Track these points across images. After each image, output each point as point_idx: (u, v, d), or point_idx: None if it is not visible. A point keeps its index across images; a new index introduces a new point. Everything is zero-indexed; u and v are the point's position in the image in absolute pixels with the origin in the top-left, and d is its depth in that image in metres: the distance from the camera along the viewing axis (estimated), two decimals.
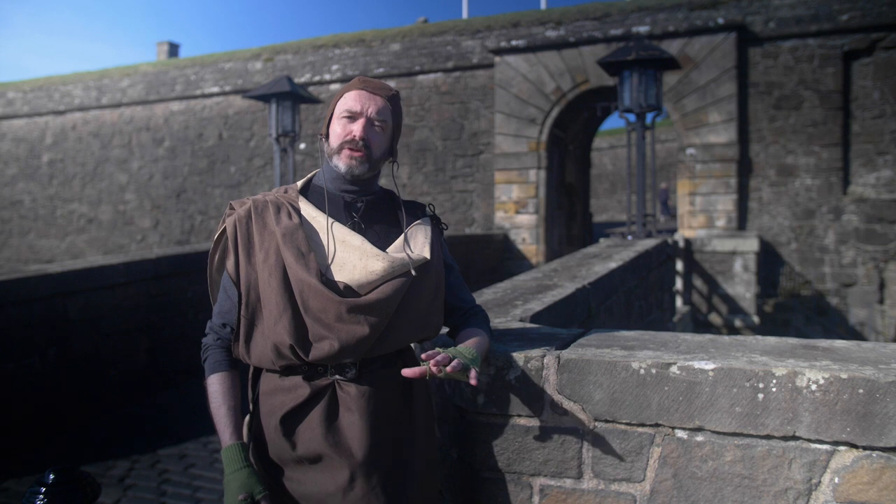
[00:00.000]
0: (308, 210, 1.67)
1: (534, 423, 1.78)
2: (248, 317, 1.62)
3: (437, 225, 1.78)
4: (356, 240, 1.62)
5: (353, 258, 1.61)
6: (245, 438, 1.69)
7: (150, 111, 16.49)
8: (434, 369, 1.48)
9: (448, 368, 1.47)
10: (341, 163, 1.64)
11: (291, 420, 1.58)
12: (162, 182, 16.24)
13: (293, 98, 10.04)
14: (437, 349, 1.52)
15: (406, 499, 1.61)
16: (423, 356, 1.50)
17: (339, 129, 1.64)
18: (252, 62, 15.49)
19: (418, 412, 1.69)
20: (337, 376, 1.60)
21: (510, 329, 2.18)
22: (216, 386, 1.62)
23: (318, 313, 1.56)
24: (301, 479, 1.58)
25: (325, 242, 1.62)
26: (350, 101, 1.64)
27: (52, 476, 1.42)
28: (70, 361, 5.16)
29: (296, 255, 1.59)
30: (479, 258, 11.44)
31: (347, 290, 1.59)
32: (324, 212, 1.66)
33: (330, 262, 1.61)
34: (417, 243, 1.69)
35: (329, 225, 1.64)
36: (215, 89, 15.72)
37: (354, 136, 1.62)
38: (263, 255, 1.61)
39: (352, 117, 1.64)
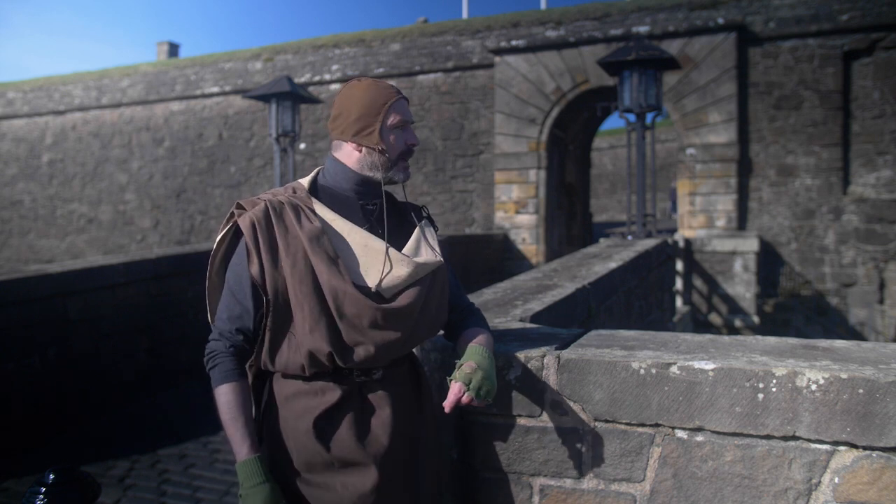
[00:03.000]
0: (324, 213, 1.64)
1: (534, 423, 1.78)
2: (277, 323, 1.58)
3: (432, 225, 1.80)
4: (378, 244, 1.62)
5: (378, 263, 1.61)
6: None
7: (150, 111, 16.49)
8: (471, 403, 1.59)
9: (477, 403, 1.58)
10: (401, 174, 1.68)
11: (323, 423, 1.57)
12: (162, 182, 16.23)
13: (293, 98, 10.03)
14: (461, 387, 1.57)
15: (423, 490, 1.65)
16: (447, 404, 1.57)
17: (398, 141, 1.67)
18: (252, 62, 15.49)
19: (428, 409, 1.73)
20: (363, 378, 1.61)
21: (510, 329, 2.18)
22: (229, 397, 1.55)
23: (353, 319, 1.55)
24: (329, 483, 1.56)
25: (350, 247, 1.61)
26: (401, 110, 1.67)
27: (52, 476, 1.42)
28: (70, 361, 5.16)
29: (326, 262, 1.56)
30: (479, 258, 11.44)
31: (375, 295, 1.60)
32: (341, 215, 1.64)
33: (358, 267, 1.61)
34: (429, 244, 1.71)
35: (349, 229, 1.63)
36: (215, 89, 15.72)
37: (415, 144, 1.68)
38: (291, 261, 1.56)
39: (403, 126, 1.67)
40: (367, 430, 1.59)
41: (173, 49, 22.73)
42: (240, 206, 1.63)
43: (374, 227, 1.65)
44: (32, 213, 17.69)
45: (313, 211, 1.63)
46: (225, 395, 1.55)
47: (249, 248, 1.57)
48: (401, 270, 1.61)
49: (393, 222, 1.71)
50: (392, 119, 1.65)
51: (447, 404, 1.56)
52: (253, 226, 1.57)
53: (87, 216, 17.05)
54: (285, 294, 1.57)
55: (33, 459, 4.45)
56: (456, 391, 1.56)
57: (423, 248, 1.69)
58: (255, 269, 1.56)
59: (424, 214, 1.79)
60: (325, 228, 1.61)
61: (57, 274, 5.09)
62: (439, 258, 1.70)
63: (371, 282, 1.59)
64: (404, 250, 1.66)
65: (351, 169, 1.67)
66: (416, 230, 1.71)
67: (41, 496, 1.39)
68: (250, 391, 1.63)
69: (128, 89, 16.74)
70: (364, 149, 1.65)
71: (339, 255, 1.59)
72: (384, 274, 1.60)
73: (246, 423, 1.54)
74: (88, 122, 17.14)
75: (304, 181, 1.71)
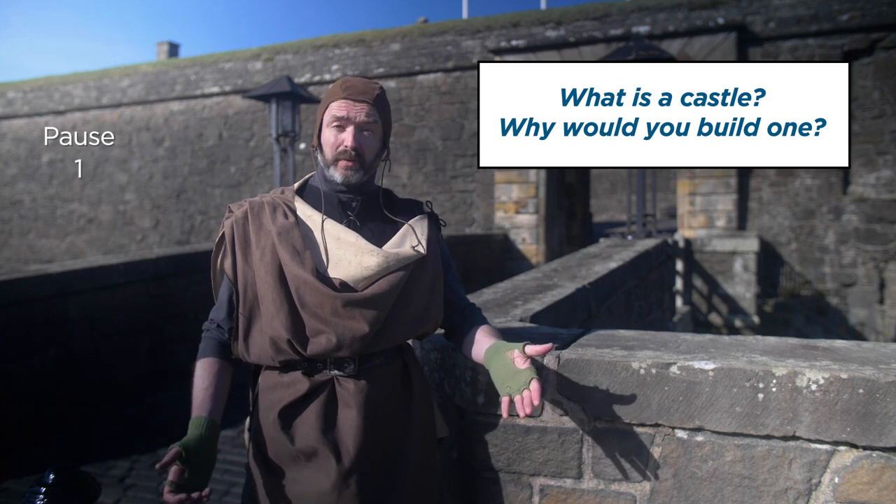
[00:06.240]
0: (304, 209, 1.69)
1: (534, 423, 1.78)
2: (247, 314, 1.63)
3: (434, 221, 1.79)
4: (350, 236, 1.64)
5: (348, 255, 1.63)
6: (245, 440, 1.70)
7: (150, 111, 16.48)
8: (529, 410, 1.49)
9: (533, 407, 1.48)
10: (337, 174, 1.66)
11: (289, 414, 1.60)
12: (162, 182, 16.23)
13: (293, 98, 10.02)
14: (525, 391, 1.47)
15: (398, 497, 1.60)
16: (513, 412, 1.48)
17: (331, 139, 1.66)
18: (252, 62, 15.48)
19: (416, 410, 1.69)
20: (336, 372, 1.60)
21: (510, 329, 2.18)
22: (198, 370, 1.66)
23: (314, 308, 1.58)
24: (297, 477, 1.57)
25: (319, 240, 1.64)
26: (336, 110, 1.65)
27: (52, 476, 1.42)
28: (70, 361, 5.16)
29: (291, 253, 1.61)
30: (479, 258, 11.43)
31: (344, 287, 1.61)
32: (319, 211, 1.67)
33: (325, 259, 1.63)
34: (414, 239, 1.70)
35: (323, 222, 1.65)
36: (215, 89, 15.71)
37: (346, 146, 1.63)
38: (260, 254, 1.64)
39: (341, 126, 1.65)
40: (332, 426, 1.58)
41: (173, 49, 22.72)
42: (230, 210, 1.73)
43: (353, 223, 1.68)
44: (32, 213, 17.69)
45: (291, 208, 1.69)
46: (196, 371, 1.67)
47: (226, 246, 1.68)
48: (369, 261, 1.62)
49: (383, 217, 1.72)
50: (328, 117, 1.66)
51: (536, 398, 1.47)
52: (232, 226, 1.68)
53: (87, 216, 17.05)
54: (255, 286, 1.63)
55: (33, 459, 4.45)
56: (537, 389, 1.47)
57: (407, 242, 1.69)
58: (227, 263, 1.67)
59: (427, 210, 1.79)
60: (300, 223, 1.66)
61: (57, 274, 5.09)
62: (419, 251, 1.68)
63: (339, 273, 1.62)
64: (388, 244, 1.67)
65: (321, 167, 1.72)
66: (405, 225, 1.71)
67: (41, 496, 1.39)
68: (223, 367, 1.67)
69: (128, 89, 16.74)
70: (315, 148, 1.71)
71: (309, 247, 1.63)
72: (352, 265, 1.62)
73: (204, 388, 1.62)
74: (88, 122, 17.14)
75: (298, 182, 1.78)
